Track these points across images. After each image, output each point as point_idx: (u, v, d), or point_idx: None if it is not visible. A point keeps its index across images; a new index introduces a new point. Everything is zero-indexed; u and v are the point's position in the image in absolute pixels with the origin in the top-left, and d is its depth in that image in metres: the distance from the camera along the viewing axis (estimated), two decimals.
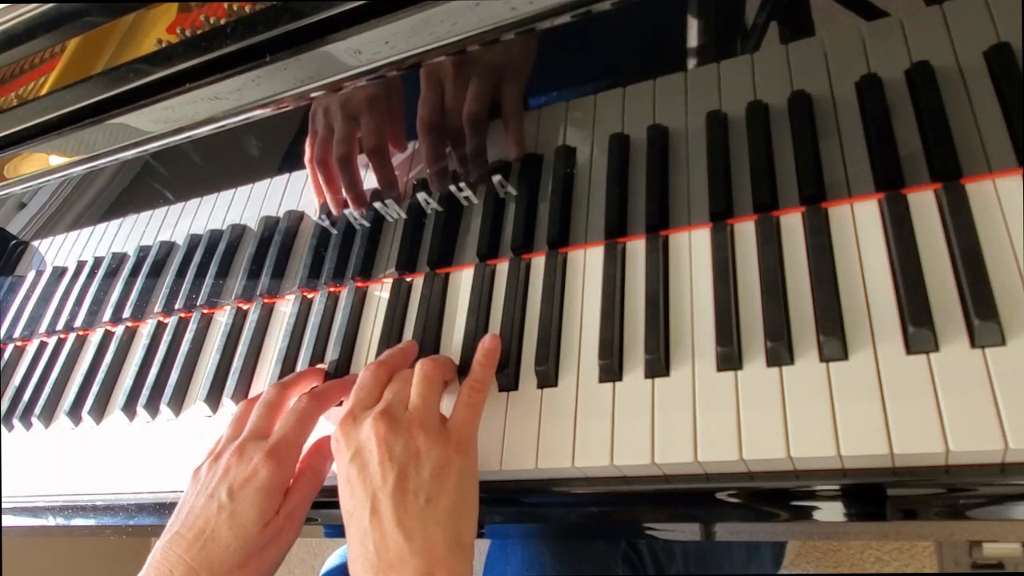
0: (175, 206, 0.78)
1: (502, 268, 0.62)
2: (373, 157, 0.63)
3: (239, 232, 0.77)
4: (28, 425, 0.80)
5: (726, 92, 0.53)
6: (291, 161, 0.68)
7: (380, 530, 0.46)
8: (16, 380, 0.85)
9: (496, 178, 0.62)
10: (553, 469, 0.51)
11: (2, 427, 0.82)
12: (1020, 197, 0.45)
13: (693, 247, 0.54)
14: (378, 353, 0.62)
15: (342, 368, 0.64)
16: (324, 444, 0.59)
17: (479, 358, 0.55)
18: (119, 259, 0.84)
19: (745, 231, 0.53)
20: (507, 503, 0.51)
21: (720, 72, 0.53)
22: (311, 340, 0.66)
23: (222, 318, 0.74)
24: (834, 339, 0.45)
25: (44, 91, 0.63)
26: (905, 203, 0.48)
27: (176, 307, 0.77)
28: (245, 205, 0.75)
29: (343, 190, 0.66)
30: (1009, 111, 0.46)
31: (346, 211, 0.67)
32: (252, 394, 0.67)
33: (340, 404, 0.62)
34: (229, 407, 0.67)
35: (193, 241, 0.79)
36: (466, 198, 0.64)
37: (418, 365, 0.54)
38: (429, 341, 0.61)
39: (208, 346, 0.73)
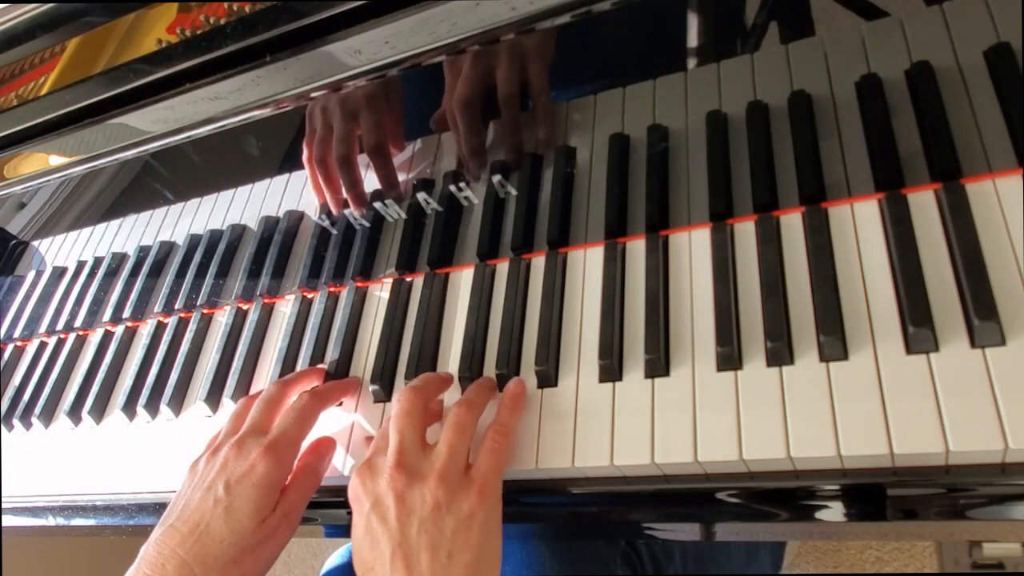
0: (175, 206, 0.78)
1: (502, 268, 0.62)
2: (374, 156, 0.63)
3: (239, 232, 0.77)
4: (28, 425, 0.80)
5: (726, 92, 0.53)
6: (291, 161, 0.68)
7: None
8: (16, 380, 0.85)
9: (496, 178, 0.62)
10: (553, 469, 0.51)
11: (2, 427, 0.82)
12: (1020, 197, 0.45)
13: (693, 247, 0.54)
14: (379, 354, 0.62)
15: (342, 368, 0.64)
16: (322, 443, 0.59)
17: (506, 402, 0.53)
18: (119, 259, 0.84)
19: (745, 231, 0.53)
20: (506, 503, 0.51)
21: (720, 72, 0.53)
22: (311, 340, 0.66)
23: (222, 318, 0.74)
24: (834, 339, 0.45)
25: (44, 91, 0.63)
26: (905, 203, 0.48)
27: (176, 307, 0.77)
28: (245, 205, 0.75)
29: (343, 190, 0.66)
30: (1009, 111, 0.46)
31: (346, 211, 0.67)
32: (251, 394, 0.67)
33: (340, 404, 0.62)
34: (229, 407, 0.67)
35: (193, 241, 0.79)
36: (466, 198, 0.64)
37: (452, 410, 0.51)
38: (429, 341, 0.61)
39: (208, 346, 0.73)
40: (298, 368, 0.66)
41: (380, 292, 0.67)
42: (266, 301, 0.72)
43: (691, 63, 0.53)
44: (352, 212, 0.67)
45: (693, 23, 0.51)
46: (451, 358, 0.60)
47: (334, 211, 0.68)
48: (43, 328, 0.87)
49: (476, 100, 0.56)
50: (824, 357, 0.46)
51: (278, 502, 0.53)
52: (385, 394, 0.60)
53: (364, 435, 0.59)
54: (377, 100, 0.59)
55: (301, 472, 0.56)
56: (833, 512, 0.46)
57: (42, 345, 0.87)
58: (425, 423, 0.52)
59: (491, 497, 0.48)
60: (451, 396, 0.58)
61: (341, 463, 0.59)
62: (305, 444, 0.57)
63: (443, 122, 0.60)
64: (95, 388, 0.76)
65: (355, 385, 0.62)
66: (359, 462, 0.58)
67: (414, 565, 0.45)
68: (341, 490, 0.61)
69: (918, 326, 0.43)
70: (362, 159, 0.64)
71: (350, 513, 0.61)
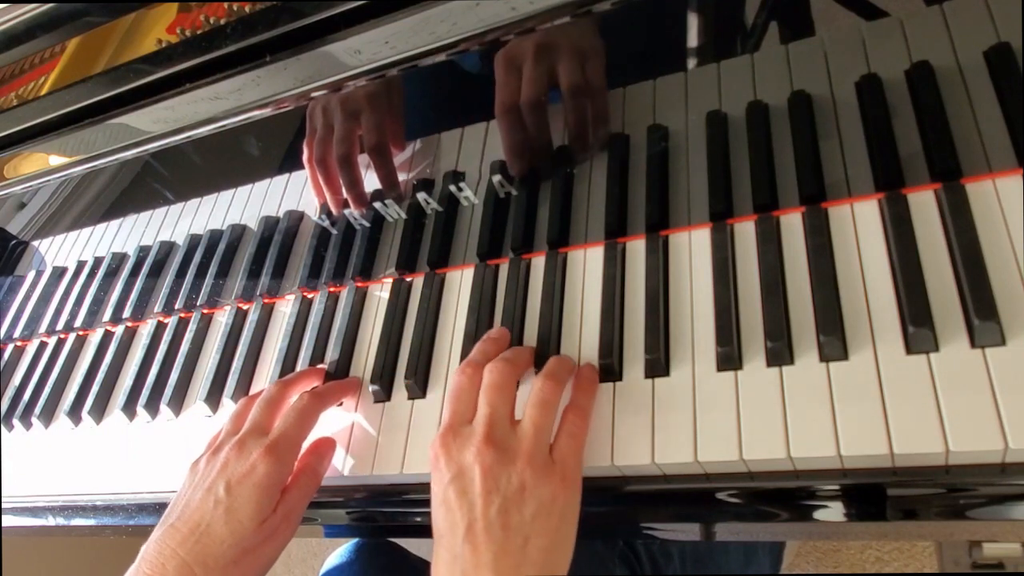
0: (175, 206, 0.78)
1: (502, 268, 0.62)
2: (374, 155, 0.63)
3: (239, 232, 0.77)
4: (28, 425, 0.80)
5: (726, 92, 0.53)
6: (291, 161, 0.68)
7: (473, 561, 0.44)
8: (16, 380, 0.85)
9: (496, 178, 0.62)
10: (580, 479, 0.51)
11: (2, 427, 0.82)
12: (1020, 197, 0.45)
13: (693, 247, 0.54)
14: (378, 353, 0.62)
15: (342, 368, 0.64)
16: (322, 444, 0.59)
17: (582, 385, 0.51)
18: (119, 259, 0.84)
19: (745, 231, 0.53)
20: None
21: (720, 72, 0.53)
22: (311, 340, 0.66)
23: (222, 318, 0.74)
24: (834, 339, 0.45)
25: (44, 91, 0.63)
26: (905, 203, 0.48)
27: (176, 307, 0.77)
28: (245, 205, 0.75)
29: (343, 189, 0.66)
30: (1009, 111, 0.46)
31: (346, 211, 0.67)
32: (252, 394, 0.67)
33: (340, 404, 0.62)
34: (229, 407, 0.67)
35: (193, 241, 0.79)
36: (466, 198, 0.64)
37: (537, 384, 0.50)
38: (429, 341, 0.61)
39: (208, 346, 0.73)
40: (298, 368, 0.66)
41: (380, 292, 0.67)
42: (266, 301, 0.72)
43: (691, 63, 0.53)
44: (352, 212, 0.67)
45: (693, 23, 0.51)
46: (451, 358, 0.60)
47: (334, 211, 0.68)
48: (43, 328, 0.87)
49: (544, 99, 0.55)
50: (824, 357, 0.46)
51: (279, 503, 0.53)
52: (385, 394, 0.60)
53: (364, 435, 0.59)
54: (378, 100, 0.59)
55: (301, 473, 0.56)
56: (833, 512, 0.46)
57: (42, 345, 0.87)
58: (515, 398, 0.51)
59: (574, 483, 0.47)
60: None
61: (341, 463, 0.59)
62: (305, 444, 0.57)
63: (512, 118, 0.57)
64: (95, 388, 0.76)
65: (355, 385, 0.62)
66: (359, 462, 0.58)
67: (488, 544, 0.44)
68: (341, 490, 0.61)
69: (918, 326, 0.43)
70: (362, 159, 0.64)
71: (349, 513, 0.61)
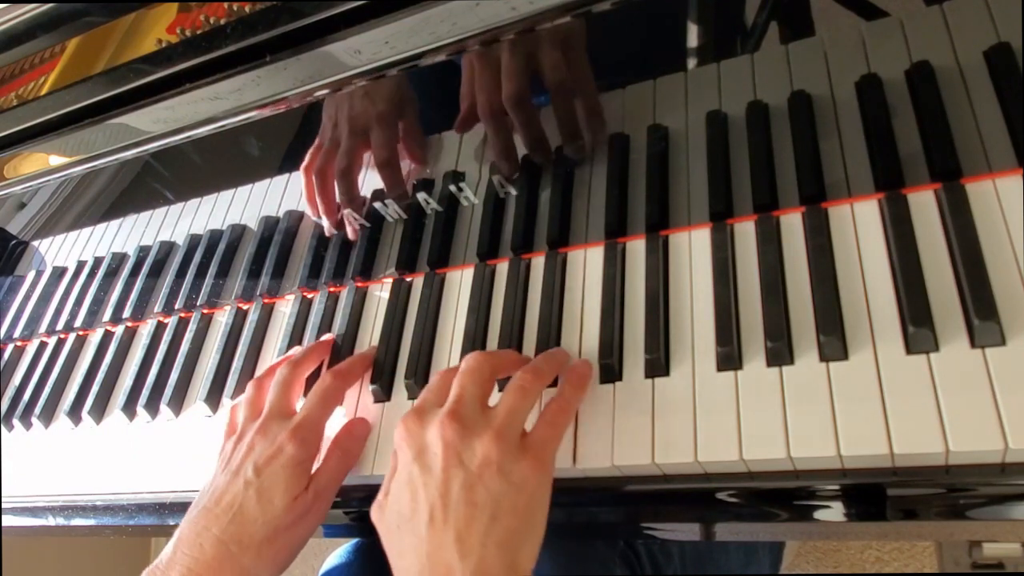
0: (175, 206, 0.78)
1: (502, 268, 0.62)
2: (384, 170, 0.63)
3: (239, 232, 0.77)
4: (28, 425, 0.80)
5: (726, 92, 0.53)
6: (291, 161, 0.68)
7: (436, 541, 0.42)
8: (16, 380, 0.85)
9: (496, 178, 0.62)
10: (554, 469, 0.51)
11: (2, 427, 0.82)
12: (1020, 197, 0.45)
13: (693, 247, 0.54)
14: (378, 353, 0.62)
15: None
16: (356, 424, 0.59)
17: (571, 379, 0.50)
18: (119, 259, 0.84)
19: (745, 231, 0.53)
20: None
21: (720, 72, 0.53)
22: (311, 340, 0.66)
23: (222, 318, 0.74)
24: (834, 339, 0.45)
25: (44, 91, 0.63)
26: (905, 203, 0.48)
27: (176, 307, 0.77)
28: (245, 205, 0.75)
29: (336, 201, 0.66)
30: (1009, 111, 0.46)
31: (345, 211, 0.67)
32: (258, 377, 0.67)
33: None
34: (229, 407, 0.67)
35: (193, 241, 0.79)
36: (466, 198, 0.64)
37: (517, 374, 0.49)
38: (429, 341, 0.61)
39: (208, 346, 0.73)
40: None
41: (380, 292, 0.67)
42: (266, 301, 0.72)
43: (691, 63, 0.53)
44: (351, 213, 0.67)
45: (693, 23, 0.51)
46: (451, 358, 0.60)
47: (327, 219, 0.68)
48: (43, 328, 0.87)
49: (527, 93, 0.54)
50: (824, 357, 0.46)
51: (310, 482, 0.53)
52: (385, 394, 0.60)
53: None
54: (390, 116, 0.59)
55: (333, 453, 0.56)
56: (833, 512, 0.46)
57: (42, 345, 0.87)
58: (490, 388, 0.50)
59: (546, 469, 0.45)
60: None
61: None
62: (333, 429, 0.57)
63: (470, 124, 0.58)
64: (95, 388, 0.76)
65: (372, 357, 0.62)
66: (358, 462, 0.58)
67: (450, 521, 0.42)
68: (341, 490, 0.61)
69: (918, 326, 0.43)
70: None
71: (348, 513, 0.61)
